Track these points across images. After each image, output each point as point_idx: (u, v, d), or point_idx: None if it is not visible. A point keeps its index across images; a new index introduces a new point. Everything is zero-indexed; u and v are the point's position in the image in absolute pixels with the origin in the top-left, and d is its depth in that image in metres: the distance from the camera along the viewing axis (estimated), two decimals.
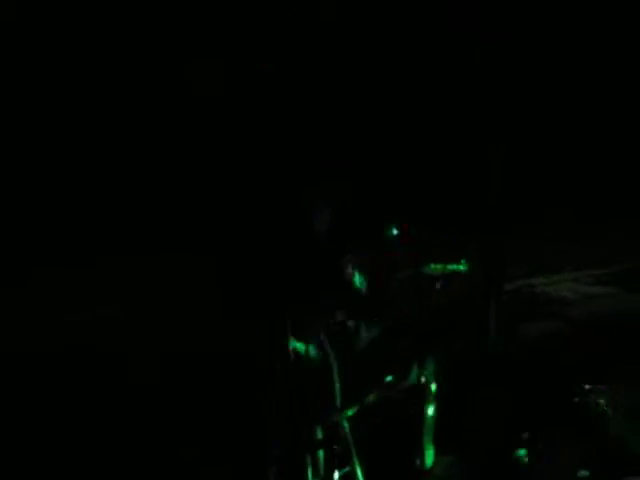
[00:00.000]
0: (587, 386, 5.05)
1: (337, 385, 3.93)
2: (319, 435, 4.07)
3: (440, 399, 4.31)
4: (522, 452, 4.58)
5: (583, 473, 4.37)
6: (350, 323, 4.03)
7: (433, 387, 4.30)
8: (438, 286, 4.27)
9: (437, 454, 4.36)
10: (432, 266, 4.22)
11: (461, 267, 4.28)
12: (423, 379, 4.25)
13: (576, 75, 10.21)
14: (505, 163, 6.93)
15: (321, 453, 4.09)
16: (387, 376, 4.14)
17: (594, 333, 7.03)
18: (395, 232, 4.14)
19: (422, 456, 4.29)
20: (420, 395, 4.27)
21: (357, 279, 4.03)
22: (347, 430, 4.01)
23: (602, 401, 4.98)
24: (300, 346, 3.89)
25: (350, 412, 4.03)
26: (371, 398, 4.07)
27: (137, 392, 5.85)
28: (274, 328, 3.81)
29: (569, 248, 9.24)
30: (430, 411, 4.28)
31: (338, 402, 3.97)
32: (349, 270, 4.03)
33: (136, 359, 6.54)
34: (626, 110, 10.20)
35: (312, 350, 3.89)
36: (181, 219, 9.52)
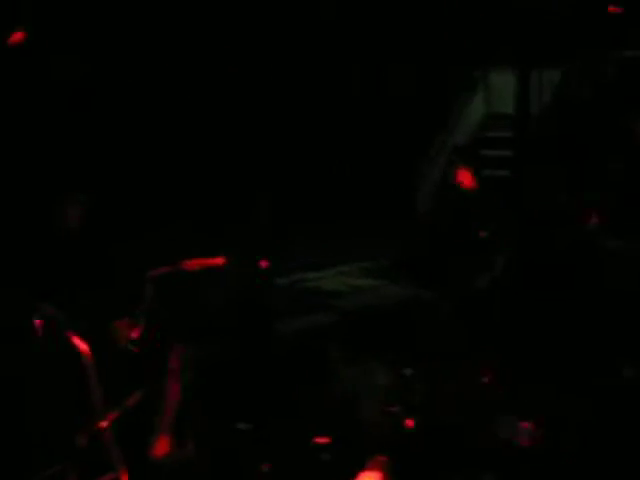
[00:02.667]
0: (345, 372, 5.30)
1: (97, 389, 3.82)
2: (81, 441, 3.95)
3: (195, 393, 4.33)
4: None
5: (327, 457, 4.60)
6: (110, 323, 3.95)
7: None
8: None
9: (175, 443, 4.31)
10: (190, 263, 4.18)
11: (219, 261, 4.27)
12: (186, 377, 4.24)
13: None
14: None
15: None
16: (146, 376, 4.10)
17: (363, 323, 7.40)
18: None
19: (156, 444, 4.24)
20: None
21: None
22: (110, 434, 3.91)
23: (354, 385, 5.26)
24: (51, 349, 3.73)
25: (113, 415, 3.93)
26: (132, 400, 4.00)
27: None
28: (22, 329, 3.64)
29: (338, 243, 9.62)
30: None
31: (100, 406, 3.86)
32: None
33: None
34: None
35: (67, 353, 3.75)
36: None
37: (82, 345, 3.69)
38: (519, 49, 8.91)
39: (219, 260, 4.28)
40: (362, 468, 4.38)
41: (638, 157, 4.85)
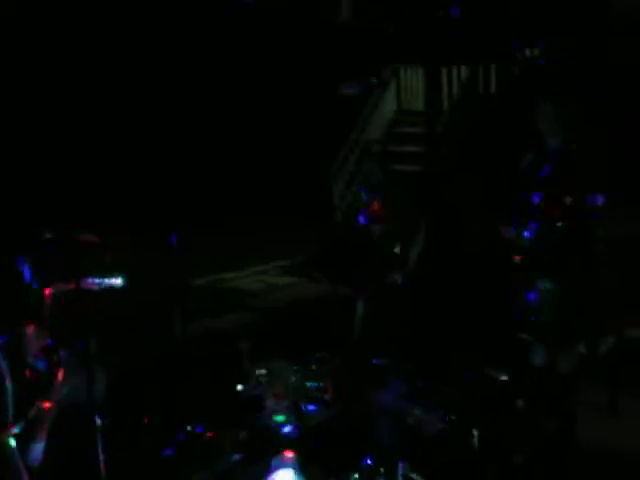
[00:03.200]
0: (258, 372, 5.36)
1: (10, 399, 3.79)
2: None
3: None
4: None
5: (236, 457, 4.69)
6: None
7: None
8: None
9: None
10: (90, 280, 4.16)
11: (119, 281, 4.23)
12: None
13: None
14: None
15: None
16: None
17: (279, 321, 7.50)
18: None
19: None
20: None
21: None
22: (13, 449, 3.88)
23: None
24: None
25: (17, 429, 3.91)
26: (34, 411, 4.00)
27: None
28: None
29: (255, 241, 9.70)
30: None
31: (10, 417, 3.83)
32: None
33: None
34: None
35: None
36: None
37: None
38: (428, 46, 9.13)
39: (118, 278, 4.24)
40: (271, 466, 4.46)
41: (543, 153, 5.05)
